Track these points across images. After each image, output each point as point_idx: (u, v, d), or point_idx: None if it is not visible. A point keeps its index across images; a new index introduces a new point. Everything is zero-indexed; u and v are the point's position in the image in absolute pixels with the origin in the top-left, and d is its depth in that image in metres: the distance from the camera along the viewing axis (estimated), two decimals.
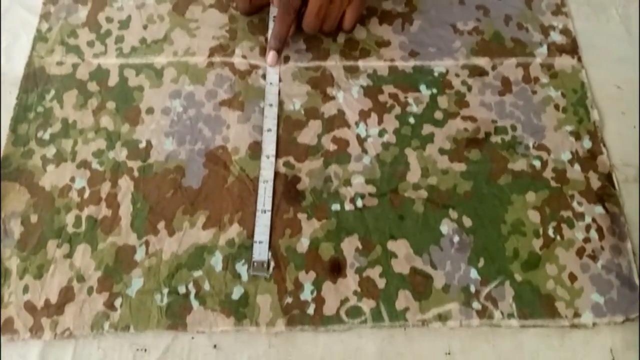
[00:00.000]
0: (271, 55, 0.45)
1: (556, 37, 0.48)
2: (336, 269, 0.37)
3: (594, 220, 0.39)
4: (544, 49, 0.47)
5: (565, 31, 0.48)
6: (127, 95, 0.44)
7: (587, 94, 0.45)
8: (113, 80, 0.44)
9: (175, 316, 0.36)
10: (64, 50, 0.46)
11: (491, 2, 0.49)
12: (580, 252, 0.38)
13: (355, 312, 0.36)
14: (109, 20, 0.48)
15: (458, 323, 0.36)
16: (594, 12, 0.49)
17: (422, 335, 0.35)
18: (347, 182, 0.40)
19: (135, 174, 0.40)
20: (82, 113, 0.43)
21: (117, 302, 0.36)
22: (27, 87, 0.44)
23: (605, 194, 0.40)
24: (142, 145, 0.42)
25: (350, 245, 0.38)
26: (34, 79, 0.44)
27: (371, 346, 0.35)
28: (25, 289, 0.36)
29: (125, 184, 0.40)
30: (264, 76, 0.45)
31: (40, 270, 0.37)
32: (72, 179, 0.40)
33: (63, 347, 0.35)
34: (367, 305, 0.36)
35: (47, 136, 0.42)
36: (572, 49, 0.47)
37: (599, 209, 0.40)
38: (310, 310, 0.36)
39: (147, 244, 0.38)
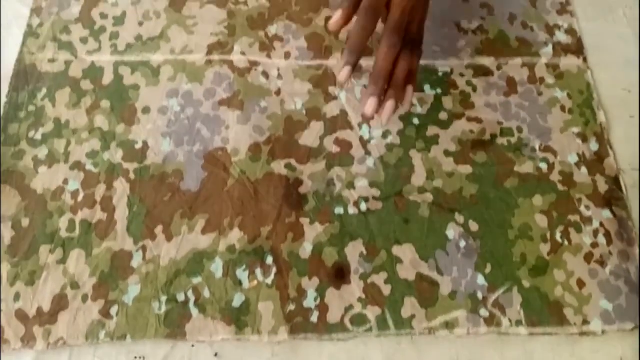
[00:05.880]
0: (345, 70, 0.36)
1: (561, 36, 0.47)
2: (340, 275, 0.36)
3: (601, 224, 0.39)
4: (549, 49, 0.46)
5: (570, 31, 0.47)
6: (123, 94, 0.42)
7: (593, 95, 0.44)
8: (108, 79, 0.43)
9: (174, 325, 0.34)
10: (56, 46, 0.44)
11: (495, 0, 0.48)
12: (588, 258, 0.37)
13: (360, 319, 0.35)
14: (103, 16, 0.46)
15: (465, 331, 0.35)
16: (600, 12, 0.48)
17: (429, 344, 0.35)
18: (351, 185, 0.39)
19: (132, 176, 0.39)
20: (76, 112, 0.41)
21: (113, 311, 0.35)
22: (18, 84, 0.42)
23: (613, 197, 0.40)
24: (139, 146, 0.40)
25: (354, 251, 0.37)
26: (25, 77, 0.43)
27: (377, 355, 0.34)
28: (17, 297, 0.35)
29: (121, 187, 0.39)
30: (264, 73, 0.44)
31: (32, 276, 0.35)
32: (66, 181, 0.39)
33: (57, 357, 0.34)
34: (372, 312, 0.35)
35: (38, 136, 0.40)
36: (577, 49, 0.46)
37: (606, 214, 0.39)
38: (314, 318, 0.35)
39: (144, 249, 0.37)
